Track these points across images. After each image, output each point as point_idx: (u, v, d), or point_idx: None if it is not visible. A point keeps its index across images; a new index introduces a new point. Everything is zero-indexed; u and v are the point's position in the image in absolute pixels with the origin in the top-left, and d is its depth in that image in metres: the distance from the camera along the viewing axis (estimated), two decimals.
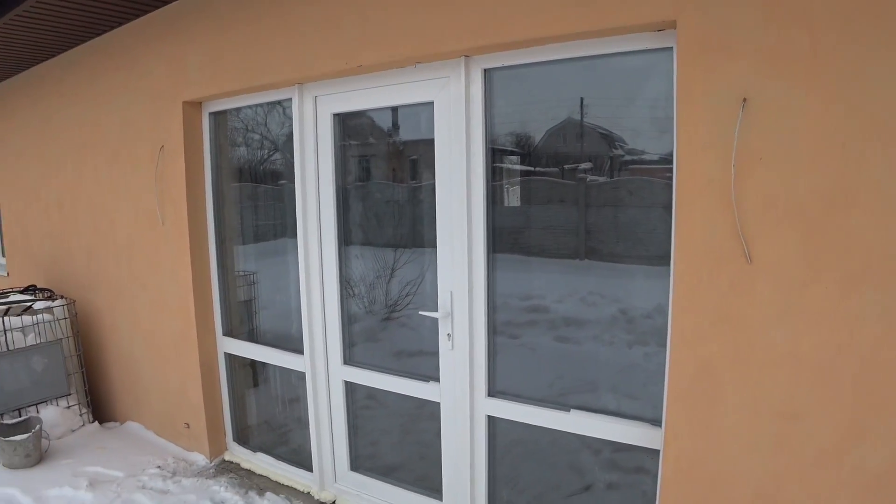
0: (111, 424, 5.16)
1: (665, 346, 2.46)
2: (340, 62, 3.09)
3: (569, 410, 2.77)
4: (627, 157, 2.68)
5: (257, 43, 3.43)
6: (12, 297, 5.24)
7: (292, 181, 3.64)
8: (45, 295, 5.29)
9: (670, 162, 2.29)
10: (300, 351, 3.75)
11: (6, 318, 4.57)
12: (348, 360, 3.59)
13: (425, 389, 3.24)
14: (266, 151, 4.08)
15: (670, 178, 2.30)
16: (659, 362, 2.54)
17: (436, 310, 3.09)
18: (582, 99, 2.73)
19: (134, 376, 4.87)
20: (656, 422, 2.54)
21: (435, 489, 3.35)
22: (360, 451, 3.74)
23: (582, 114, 2.74)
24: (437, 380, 3.17)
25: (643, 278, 2.70)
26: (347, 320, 3.58)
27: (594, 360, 2.87)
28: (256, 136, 4.09)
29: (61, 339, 4.84)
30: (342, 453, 3.73)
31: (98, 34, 4.63)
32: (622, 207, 2.71)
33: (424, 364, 3.30)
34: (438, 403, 3.20)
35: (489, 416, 3.03)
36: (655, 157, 2.55)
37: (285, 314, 3.99)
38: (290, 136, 3.62)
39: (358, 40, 2.99)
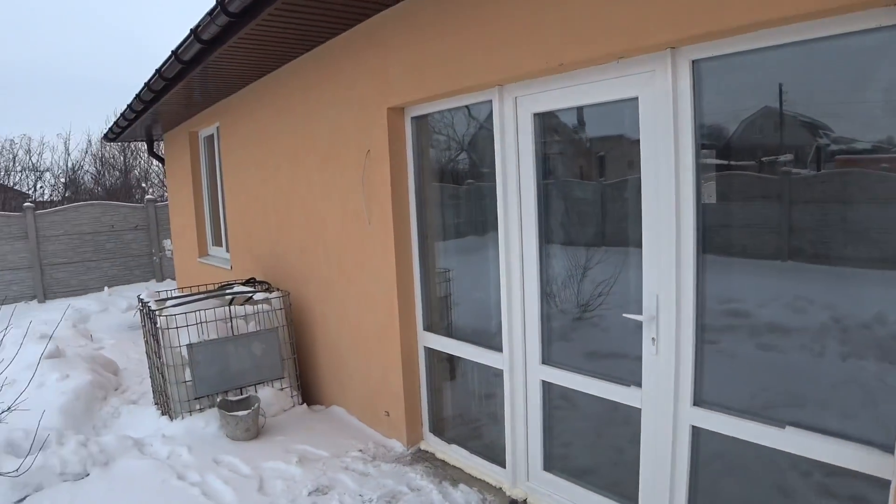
0: (317, 407, 5.58)
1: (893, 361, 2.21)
2: (541, 62, 3.12)
3: (784, 427, 2.58)
4: (840, 147, 2.43)
5: (457, 48, 3.56)
6: (236, 288, 5.85)
7: (489, 180, 3.73)
8: (264, 287, 5.85)
9: None
10: (498, 348, 3.83)
11: (232, 307, 5.11)
12: (546, 359, 3.61)
13: (625, 394, 3.17)
14: (465, 152, 4.22)
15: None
16: (886, 380, 2.28)
17: (636, 312, 3.02)
18: (796, 88, 2.52)
19: (340, 364, 5.24)
20: (887, 447, 2.29)
21: (629, 496, 3.27)
22: (554, 450, 3.74)
23: (791, 103, 2.53)
24: (639, 385, 3.09)
25: (859, 282, 2.44)
26: (547, 319, 3.60)
27: (802, 372, 2.63)
28: (456, 138, 4.24)
29: (277, 327, 5.32)
30: (536, 452, 3.76)
31: (308, 49, 5.06)
32: (833, 203, 2.46)
33: (619, 367, 3.23)
34: (639, 409, 3.12)
35: (694, 427, 2.90)
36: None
37: (481, 311, 4.09)
38: (488, 137, 3.72)
39: (559, 39, 3.00)
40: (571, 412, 3.69)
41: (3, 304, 13.36)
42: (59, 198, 20.00)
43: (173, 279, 14.85)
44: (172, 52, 5.35)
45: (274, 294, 5.47)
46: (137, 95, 7.00)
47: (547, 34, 3.06)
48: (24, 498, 4.14)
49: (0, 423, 4.50)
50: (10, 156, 19.80)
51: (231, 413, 4.66)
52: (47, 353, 6.89)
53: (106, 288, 13.85)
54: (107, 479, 4.39)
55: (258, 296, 5.52)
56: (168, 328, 4.79)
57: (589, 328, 3.53)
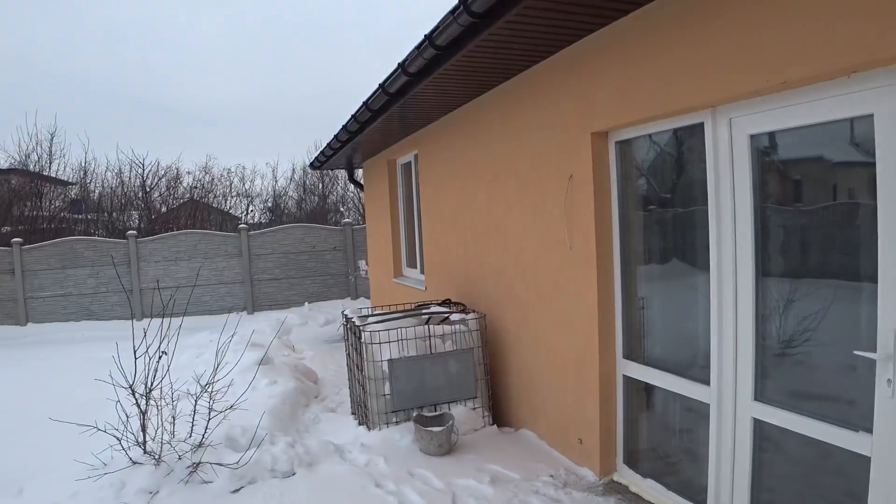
0: (506, 429, 5.67)
1: None
2: (760, 81, 3.01)
3: None
4: None
5: (667, 70, 3.53)
6: (433, 308, 6.12)
7: (697, 206, 3.64)
8: (459, 308, 6.07)
9: None
10: (705, 381, 3.69)
11: (429, 326, 5.36)
12: (759, 395, 3.42)
13: (852, 440, 2.92)
14: (671, 177, 4.14)
15: None
16: None
17: (868, 349, 2.78)
18: None
19: (532, 388, 5.30)
20: None
21: None
22: (761, 495, 3.52)
23: None
24: (869, 430, 2.84)
25: None
26: (760, 353, 3.42)
27: None
28: (662, 163, 4.18)
29: (473, 348, 5.50)
30: (742, 495, 3.56)
31: (508, 78, 5.24)
32: None
33: (843, 409, 2.99)
34: (867, 458, 2.86)
35: None
36: None
37: (686, 341, 3.97)
38: (697, 161, 3.63)
39: (780, 57, 2.88)
40: (777, 454, 3.46)
41: (219, 314, 15.03)
42: (265, 220, 22.05)
43: (367, 297, 15.83)
44: (380, 85, 5.78)
45: (470, 315, 5.67)
46: (344, 127, 7.61)
47: (765, 52, 2.95)
48: (240, 489, 4.62)
49: (224, 420, 5.05)
50: (228, 182, 22.24)
51: (426, 428, 4.87)
52: (259, 360, 7.62)
53: (306, 303, 15.04)
54: (311, 479, 4.77)
55: (454, 316, 5.73)
56: (371, 343, 5.13)
57: (807, 365, 3.30)
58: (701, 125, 3.59)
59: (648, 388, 4.33)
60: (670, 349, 4.19)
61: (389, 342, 5.12)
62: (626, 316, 4.35)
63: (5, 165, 20.25)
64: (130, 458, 4.72)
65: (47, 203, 19.32)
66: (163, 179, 20.83)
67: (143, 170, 20.50)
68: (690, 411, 3.98)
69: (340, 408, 7.14)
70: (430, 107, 6.44)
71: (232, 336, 10.47)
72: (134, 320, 14.61)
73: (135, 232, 15.38)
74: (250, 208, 22.52)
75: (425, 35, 4.46)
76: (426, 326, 5.43)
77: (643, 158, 4.29)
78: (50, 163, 20.45)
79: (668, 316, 4.21)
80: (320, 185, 23.91)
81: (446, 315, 5.86)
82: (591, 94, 4.24)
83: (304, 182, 23.87)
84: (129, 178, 20.49)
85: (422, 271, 8.67)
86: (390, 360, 5.07)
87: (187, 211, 21.00)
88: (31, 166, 20.13)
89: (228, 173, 22.42)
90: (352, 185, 23.55)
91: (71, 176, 20.86)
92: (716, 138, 3.48)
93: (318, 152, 10.04)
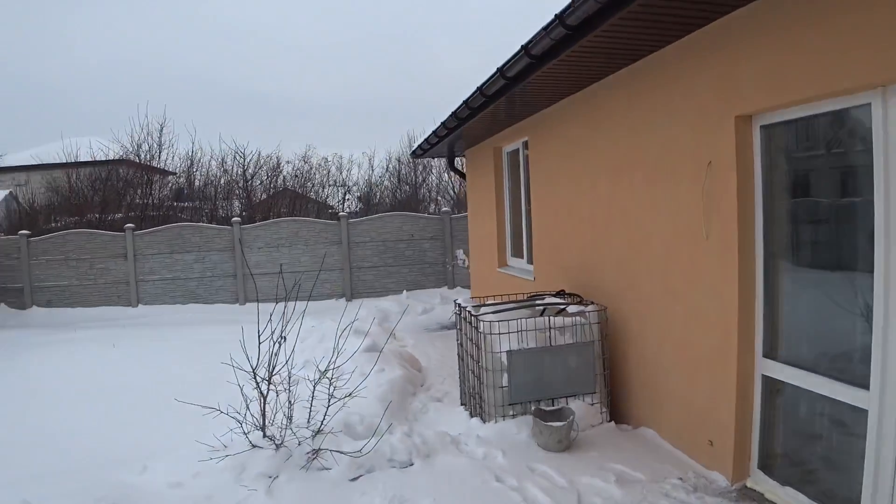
0: (624, 427, 5.52)
1: None
2: None
3: None
4: None
5: (825, 47, 3.28)
6: (547, 300, 6.01)
7: (856, 195, 3.37)
8: (575, 300, 5.94)
9: None
10: (862, 385, 3.43)
11: (551, 318, 5.25)
12: None
13: None
14: (825, 165, 3.87)
15: None
16: None
17: None
18: None
19: (655, 385, 5.12)
20: None
21: None
22: None
23: None
24: None
25: None
26: None
27: None
28: (814, 149, 3.91)
29: (592, 341, 5.36)
30: None
31: (633, 61, 5.04)
32: None
33: None
34: None
35: None
36: None
37: (837, 340, 3.71)
38: (857, 147, 3.36)
39: None
40: None
41: (318, 300, 15.41)
42: (358, 210, 22.42)
43: (464, 287, 15.86)
44: (498, 69, 5.70)
45: (589, 307, 5.53)
46: (454, 113, 7.56)
47: None
48: (358, 477, 4.65)
49: (342, 406, 5.10)
50: (325, 171, 22.75)
51: (546, 423, 4.78)
52: (365, 347, 7.72)
53: (404, 291, 15.21)
54: (429, 470, 4.76)
55: (572, 308, 5.61)
56: (490, 333, 5.07)
57: None
58: (867, 107, 3.32)
59: (791, 390, 4.08)
60: (819, 349, 3.93)
61: (509, 333, 5.05)
62: (769, 312, 4.11)
63: (115, 156, 21.43)
64: (251, 442, 4.82)
65: (156, 191, 20.35)
66: (263, 168, 21.54)
67: (245, 159, 21.25)
68: (841, 416, 3.72)
69: (447, 398, 7.15)
70: (546, 92, 6.31)
71: (344, 325, 10.74)
72: (238, 304, 15.24)
73: (239, 219, 15.95)
74: (346, 197, 22.97)
75: (555, 15, 4.34)
76: (544, 318, 5.32)
77: (793, 144, 4.03)
78: (160, 152, 21.55)
79: (818, 313, 3.95)
80: (412, 175, 24.13)
81: (563, 306, 5.74)
82: (733, 76, 4.02)
83: (400, 171, 24.14)
84: (232, 168, 21.31)
85: (529, 261, 8.57)
86: (509, 352, 5.00)
87: (285, 199, 21.63)
88: (142, 156, 21.22)
89: (326, 162, 22.92)
90: (447, 174, 23.76)
91: (178, 165, 21.93)
92: (886, 122, 3.20)
93: (423, 140, 10.08)
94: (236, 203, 20.85)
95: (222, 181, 21.18)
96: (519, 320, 5.08)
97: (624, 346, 5.56)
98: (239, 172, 21.30)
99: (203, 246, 15.59)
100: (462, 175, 12.41)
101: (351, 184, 23.39)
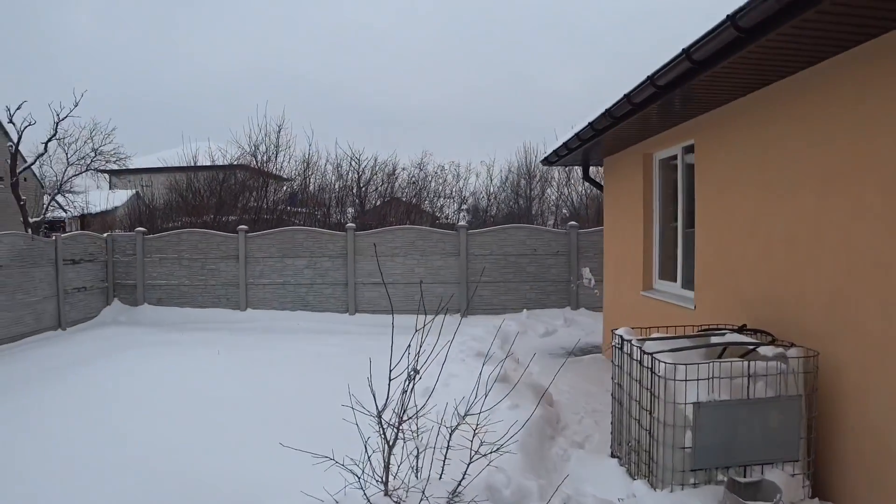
0: None
1: None
2: None
3: None
4: None
5: None
6: (728, 337, 4.95)
7: None
8: (765, 338, 4.86)
9: None
10: None
11: (746, 363, 4.20)
12: None
13: None
14: None
15: None
16: None
17: None
18: None
19: (883, 461, 3.98)
20: None
21: None
22: None
23: None
24: None
25: None
26: None
27: None
28: None
29: (799, 395, 4.27)
30: None
31: (859, 42, 3.96)
32: None
33: None
34: None
35: None
36: None
37: None
38: None
39: None
40: None
41: (430, 315, 14.74)
42: (469, 221, 21.70)
43: (589, 308, 14.78)
44: (684, 50, 4.82)
45: (792, 351, 4.43)
46: (608, 111, 6.65)
47: None
48: None
49: (480, 461, 4.16)
50: (441, 179, 22.19)
51: (747, 501, 3.74)
52: (497, 378, 6.85)
53: (524, 310, 14.29)
54: None
55: (765, 350, 4.54)
56: (672, 379, 4.07)
57: None
58: None
59: None
60: None
61: (697, 380, 4.03)
62: None
63: (233, 160, 21.64)
64: (369, 501, 3.94)
65: (271, 194, 20.37)
66: (378, 174, 21.20)
67: (360, 164, 20.99)
68: None
69: (588, 443, 6.19)
70: (735, 80, 5.27)
71: (467, 346, 9.88)
72: (347, 314, 14.82)
73: (353, 224, 15.52)
74: (463, 207, 22.32)
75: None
76: (741, 363, 4.26)
77: None
78: (276, 154, 21.59)
79: None
80: (527, 188, 23.21)
81: (752, 347, 4.67)
82: None
83: (516, 182, 23.30)
84: (347, 173, 21.08)
85: (685, 286, 7.47)
86: (696, 405, 3.99)
87: (399, 208, 21.23)
88: (259, 157, 21.35)
89: (442, 170, 22.36)
90: (567, 188, 22.73)
91: (294, 168, 21.92)
92: None
93: (560, 144, 9.12)
94: (350, 209, 20.60)
95: (336, 186, 20.99)
96: (710, 364, 4.05)
97: (836, 403, 4.42)
98: (354, 178, 21.06)
99: (315, 251, 15.26)
100: (598, 186, 11.39)
101: (467, 193, 22.70)
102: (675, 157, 7.81)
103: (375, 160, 21.18)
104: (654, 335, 5.16)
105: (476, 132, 42.05)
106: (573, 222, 15.59)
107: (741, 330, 5.15)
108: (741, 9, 3.94)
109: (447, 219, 22.10)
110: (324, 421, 5.95)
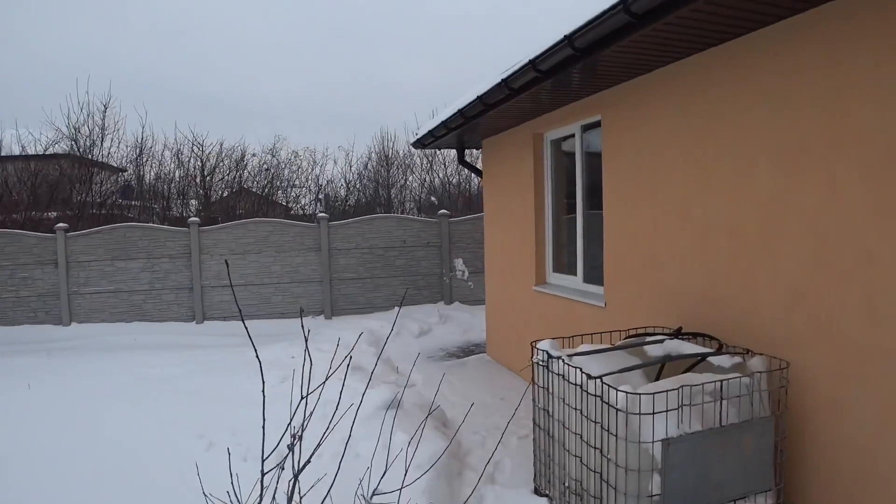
0: None
1: None
2: None
3: None
4: None
5: None
6: (669, 344, 4.26)
7: None
8: (714, 345, 4.21)
9: None
10: None
11: (723, 383, 3.46)
12: None
13: None
14: None
15: None
16: None
17: None
18: None
19: (865, 483, 3.40)
20: None
21: None
22: None
23: None
24: None
25: None
26: None
27: None
28: None
29: (771, 415, 3.61)
30: None
31: None
32: None
33: None
34: None
35: None
36: None
37: None
38: None
39: None
40: None
41: (292, 318, 13.44)
42: (321, 211, 20.47)
43: (464, 302, 14.07)
44: (566, 36, 4.33)
45: (755, 362, 3.77)
46: (504, 82, 5.83)
47: None
48: None
49: None
50: (295, 167, 20.67)
51: None
52: (383, 403, 5.88)
53: (396, 309, 13.32)
54: None
55: (720, 360, 3.87)
56: (637, 413, 3.24)
57: None
58: None
59: None
60: None
61: (667, 411, 3.23)
62: None
63: (53, 149, 18.84)
64: None
65: (97, 186, 17.94)
66: (225, 162, 19.33)
67: (203, 151, 19.04)
68: None
69: (499, 473, 5.34)
70: (655, 53, 4.60)
71: (332, 353, 8.80)
72: (194, 322, 13.19)
73: (197, 220, 13.80)
74: (319, 195, 20.92)
75: None
76: (712, 383, 3.51)
77: None
78: (102, 137, 19.03)
79: None
80: (385, 175, 22.22)
81: (700, 357, 3.99)
82: None
83: (377, 170, 22.24)
84: (189, 160, 19.04)
85: (587, 279, 6.82)
86: (666, 441, 3.19)
87: (249, 199, 19.54)
88: (82, 141, 18.77)
89: (296, 157, 20.79)
90: (430, 175, 21.97)
91: (125, 154, 19.45)
92: None
93: (439, 123, 8.20)
94: (193, 202, 18.64)
95: (177, 175, 18.89)
96: (681, 390, 3.27)
97: (807, 419, 3.82)
98: (197, 166, 19.02)
99: (153, 251, 13.39)
100: (475, 170, 10.62)
101: (324, 181, 21.29)
102: (571, 136, 7.12)
103: (221, 146, 19.23)
104: (582, 347, 4.37)
105: (332, 120, 40.40)
106: (444, 210, 14.79)
107: (678, 334, 4.49)
108: None
109: (302, 209, 20.64)
110: (172, 478, 4.71)
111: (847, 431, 3.57)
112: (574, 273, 7.15)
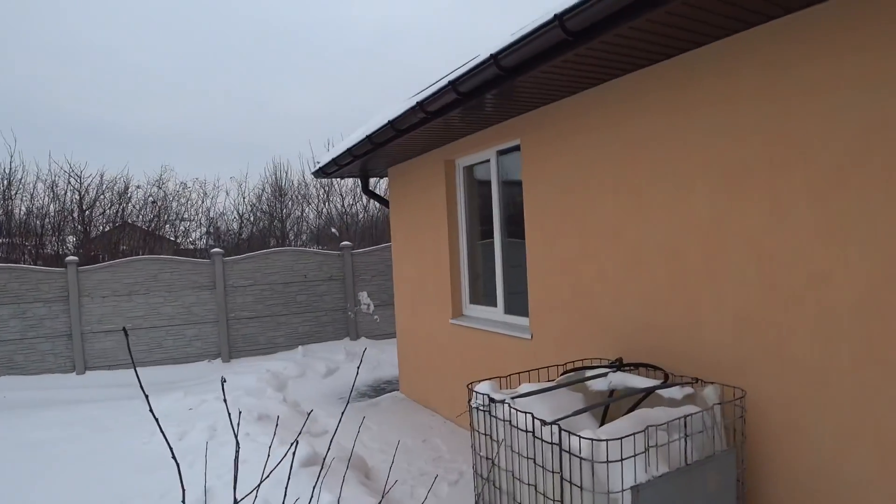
0: None
1: None
2: None
3: None
4: None
5: None
6: (614, 378, 4.06)
7: None
8: (661, 377, 4.05)
9: None
10: None
11: (687, 419, 3.26)
12: None
13: None
14: None
15: None
16: None
17: None
18: None
19: (825, 500, 3.29)
20: None
21: None
22: None
23: None
24: None
25: None
26: None
27: None
28: None
29: (733, 448, 3.44)
30: None
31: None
32: None
33: None
34: None
35: None
36: None
37: None
38: None
39: None
40: None
41: (186, 362, 12.57)
42: (211, 246, 19.53)
43: (370, 337, 13.63)
44: (492, 55, 4.15)
45: (709, 391, 3.61)
46: (420, 104, 5.58)
47: None
48: None
49: None
50: (185, 199, 19.65)
51: None
52: (300, 460, 5.41)
53: (300, 347, 12.74)
54: None
55: (670, 392, 3.69)
56: (604, 462, 2.98)
57: None
58: None
59: None
60: None
61: (634, 455, 2.98)
62: None
63: None
64: None
65: None
66: (107, 194, 18.07)
67: (82, 182, 17.74)
68: None
69: None
70: (588, 73, 4.46)
71: (236, 402, 8.13)
72: (74, 374, 12.06)
73: (76, 258, 12.71)
74: (210, 229, 19.91)
75: None
76: (677, 420, 3.30)
77: None
78: None
79: None
80: (278, 205, 21.52)
81: (647, 391, 3.80)
82: None
83: (272, 202, 21.48)
84: (65, 193, 17.68)
85: (508, 310, 6.61)
86: (636, 489, 2.93)
87: (135, 234, 18.35)
88: None
89: (185, 188, 19.75)
90: (332, 204, 21.44)
91: None
92: None
93: (344, 150, 7.81)
94: (71, 238, 17.27)
95: (52, 209, 17.48)
96: (647, 431, 3.04)
97: (763, 447, 3.69)
98: (75, 199, 17.67)
99: (24, 295, 12.17)
100: (381, 200, 10.29)
101: (215, 214, 20.31)
102: (486, 161, 6.94)
103: (102, 177, 17.96)
104: (522, 387, 4.09)
105: (223, 150, 38.86)
106: (346, 242, 14.35)
107: (621, 366, 4.30)
108: None
109: (193, 244, 19.61)
110: None
111: (805, 457, 3.46)
112: (494, 304, 6.93)
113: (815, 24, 3.27)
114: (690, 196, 4.06)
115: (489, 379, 4.15)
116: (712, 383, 3.78)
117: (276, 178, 21.51)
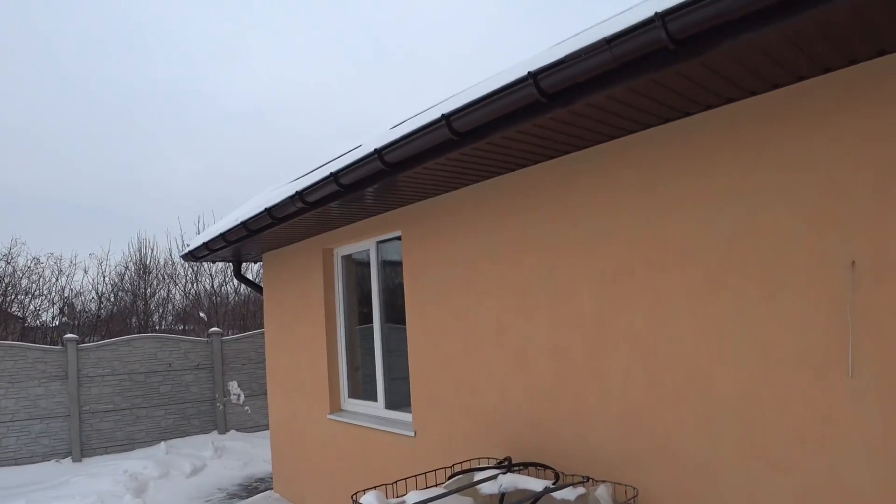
0: None
1: None
2: None
3: None
4: None
5: None
6: (504, 480, 3.98)
7: None
8: (551, 475, 4.01)
9: None
10: None
11: None
12: None
13: None
14: None
15: None
16: None
17: None
18: None
19: None
20: None
21: None
22: None
23: None
24: None
25: None
26: None
27: None
28: None
29: None
30: None
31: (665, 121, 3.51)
32: None
33: None
34: None
35: None
36: None
37: None
38: None
39: None
40: None
41: (30, 463, 11.36)
42: (57, 324, 18.18)
43: (240, 430, 12.95)
44: (376, 150, 4.28)
45: (601, 491, 3.59)
46: (267, 211, 5.58)
47: None
48: None
49: None
50: (37, 276, 18.20)
51: None
52: None
53: (162, 443, 11.83)
54: None
55: (563, 494, 3.64)
56: None
57: None
58: None
59: None
60: None
61: None
62: None
63: None
64: None
65: None
66: None
67: None
68: None
69: None
70: (467, 171, 4.54)
71: None
72: None
73: None
74: (64, 308, 18.50)
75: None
76: None
77: None
78: None
79: None
80: (144, 287, 20.46)
81: (539, 495, 3.74)
82: None
83: (136, 281, 20.35)
84: None
85: (389, 406, 6.42)
86: None
87: None
88: None
89: (38, 264, 18.30)
90: (199, 285, 20.56)
91: None
92: None
93: (218, 234, 7.48)
94: None
95: None
96: None
97: None
98: None
99: None
100: (255, 287, 9.95)
101: (71, 293, 18.92)
102: (366, 254, 6.86)
103: None
104: (411, 496, 3.91)
105: (83, 221, 36.52)
106: (216, 328, 13.70)
107: (510, 466, 4.23)
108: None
109: (42, 324, 18.13)
110: None
111: None
112: (374, 398, 6.72)
113: (686, 136, 3.48)
114: (574, 295, 4.12)
115: (374, 488, 3.95)
116: (604, 481, 3.77)
117: (140, 255, 20.48)
